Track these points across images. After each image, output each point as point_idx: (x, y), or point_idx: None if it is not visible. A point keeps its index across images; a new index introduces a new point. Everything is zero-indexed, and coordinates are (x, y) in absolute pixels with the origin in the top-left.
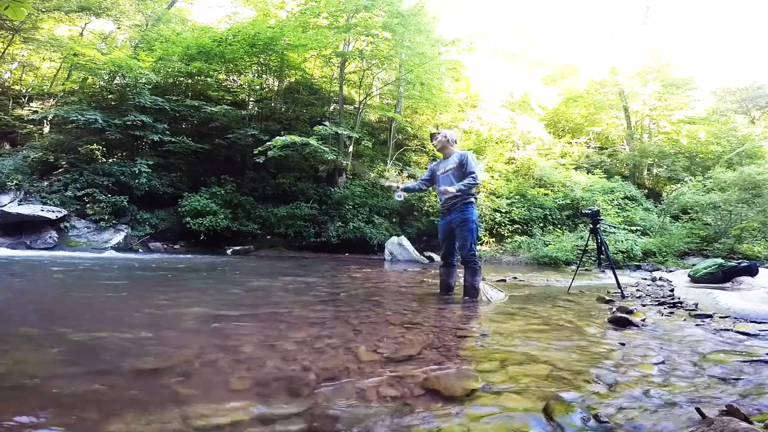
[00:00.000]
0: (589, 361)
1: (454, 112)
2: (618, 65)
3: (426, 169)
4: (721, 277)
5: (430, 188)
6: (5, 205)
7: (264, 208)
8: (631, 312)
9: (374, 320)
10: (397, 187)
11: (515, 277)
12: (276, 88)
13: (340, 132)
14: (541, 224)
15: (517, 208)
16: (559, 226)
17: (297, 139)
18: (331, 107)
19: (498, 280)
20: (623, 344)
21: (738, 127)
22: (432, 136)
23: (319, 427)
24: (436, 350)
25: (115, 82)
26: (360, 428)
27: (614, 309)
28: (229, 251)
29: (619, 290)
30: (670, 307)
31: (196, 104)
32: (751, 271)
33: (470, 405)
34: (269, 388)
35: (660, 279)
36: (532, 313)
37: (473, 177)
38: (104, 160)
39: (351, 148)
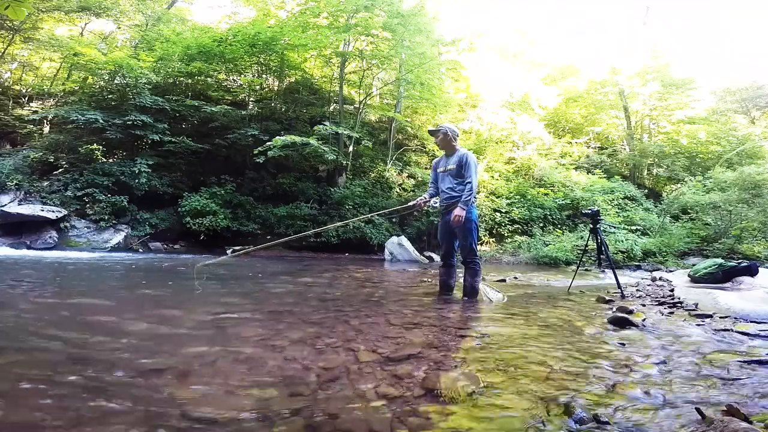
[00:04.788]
0: (589, 362)
1: (454, 112)
2: (618, 65)
3: (426, 168)
4: (721, 277)
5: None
6: (5, 205)
7: (264, 208)
8: (631, 312)
9: (374, 320)
10: (425, 201)
11: (515, 277)
12: (276, 88)
13: (340, 132)
14: (541, 224)
15: (517, 208)
16: (559, 226)
17: (297, 139)
18: (331, 107)
19: (498, 280)
20: (623, 344)
21: (738, 127)
22: (432, 133)
23: (319, 426)
24: (435, 350)
25: (115, 82)
26: (360, 427)
27: (614, 309)
28: (228, 251)
29: (619, 290)
30: (670, 307)
31: (196, 104)
32: (751, 271)
33: (470, 405)
34: (270, 387)
35: (660, 279)
36: (532, 313)
37: (470, 187)
38: (104, 160)
39: (351, 148)
